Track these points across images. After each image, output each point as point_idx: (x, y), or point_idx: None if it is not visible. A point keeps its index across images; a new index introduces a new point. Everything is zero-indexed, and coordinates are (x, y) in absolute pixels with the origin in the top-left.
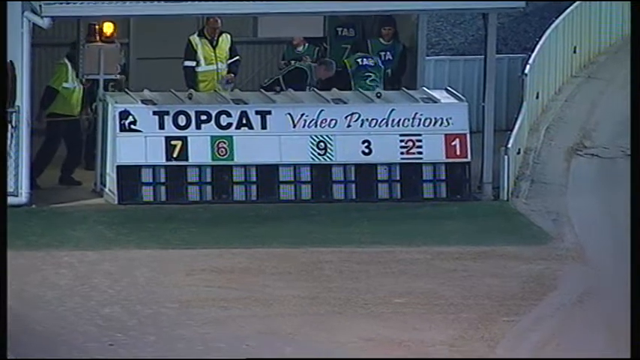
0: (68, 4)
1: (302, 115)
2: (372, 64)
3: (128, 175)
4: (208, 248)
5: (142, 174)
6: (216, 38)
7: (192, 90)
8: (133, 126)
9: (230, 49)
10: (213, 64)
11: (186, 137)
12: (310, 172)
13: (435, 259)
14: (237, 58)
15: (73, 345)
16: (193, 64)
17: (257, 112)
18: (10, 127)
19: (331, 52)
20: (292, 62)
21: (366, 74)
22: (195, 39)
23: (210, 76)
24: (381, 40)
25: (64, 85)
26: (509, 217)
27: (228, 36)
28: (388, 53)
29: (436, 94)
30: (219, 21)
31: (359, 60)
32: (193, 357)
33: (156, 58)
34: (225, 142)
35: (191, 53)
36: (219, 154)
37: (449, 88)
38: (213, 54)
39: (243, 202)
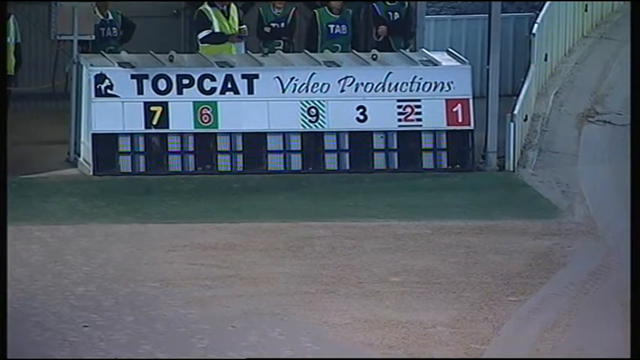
0: None
1: (292, 79)
2: (344, 32)
3: (104, 143)
4: (191, 223)
5: (119, 142)
6: (227, 8)
7: (173, 52)
8: (109, 91)
9: (239, 19)
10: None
11: (166, 103)
12: (300, 141)
13: (435, 234)
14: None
15: (45, 327)
16: (209, 32)
17: (243, 76)
18: None
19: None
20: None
21: (334, 45)
22: (207, 9)
23: (227, 51)
24: (387, 2)
25: None
26: (516, 189)
27: (234, 5)
28: (396, 13)
29: (437, 56)
30: None
31: (330, 26)
32: (175, 340)
33: (134, 16)
34: (208, 108)
35: (206, 24)
36: (203, 121)
37: (450, 50)
38: (227, 25)
39: (228, 173)
